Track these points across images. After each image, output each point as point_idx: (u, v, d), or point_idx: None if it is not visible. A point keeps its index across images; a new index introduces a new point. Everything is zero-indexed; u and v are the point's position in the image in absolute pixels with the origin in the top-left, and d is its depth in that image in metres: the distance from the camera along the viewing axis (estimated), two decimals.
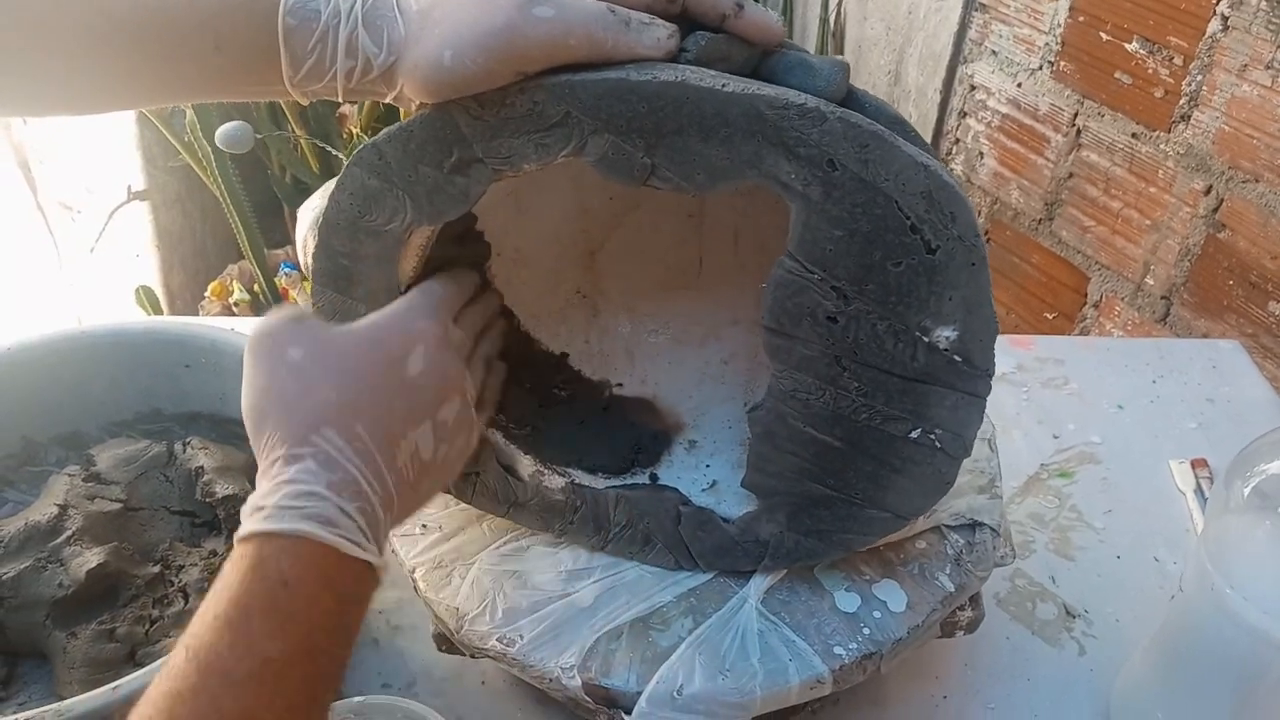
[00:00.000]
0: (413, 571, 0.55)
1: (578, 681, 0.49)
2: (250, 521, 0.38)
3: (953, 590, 0.53)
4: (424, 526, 0.57)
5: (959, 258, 0.43)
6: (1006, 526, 0.58)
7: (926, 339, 0.45)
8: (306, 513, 0.37)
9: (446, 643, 0.55)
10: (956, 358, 0.45)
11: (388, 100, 0.45)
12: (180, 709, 0.33)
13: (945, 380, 0.45)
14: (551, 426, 0.58)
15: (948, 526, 0.56)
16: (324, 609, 0.37)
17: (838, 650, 0.50)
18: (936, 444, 0.47)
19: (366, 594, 0.39)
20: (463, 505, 0.58)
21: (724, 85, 0.41)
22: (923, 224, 0.42)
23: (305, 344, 0.42)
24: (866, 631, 0.51)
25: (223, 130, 1.14)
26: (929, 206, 0.42)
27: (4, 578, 0.56)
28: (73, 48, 0.43)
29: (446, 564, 0.55)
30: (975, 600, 0.56)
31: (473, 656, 0.53)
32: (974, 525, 0.56)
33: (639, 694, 0.48)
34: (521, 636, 0.51)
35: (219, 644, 0.35)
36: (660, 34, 0.43)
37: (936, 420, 0.46)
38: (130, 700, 0.46)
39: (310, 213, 0.65)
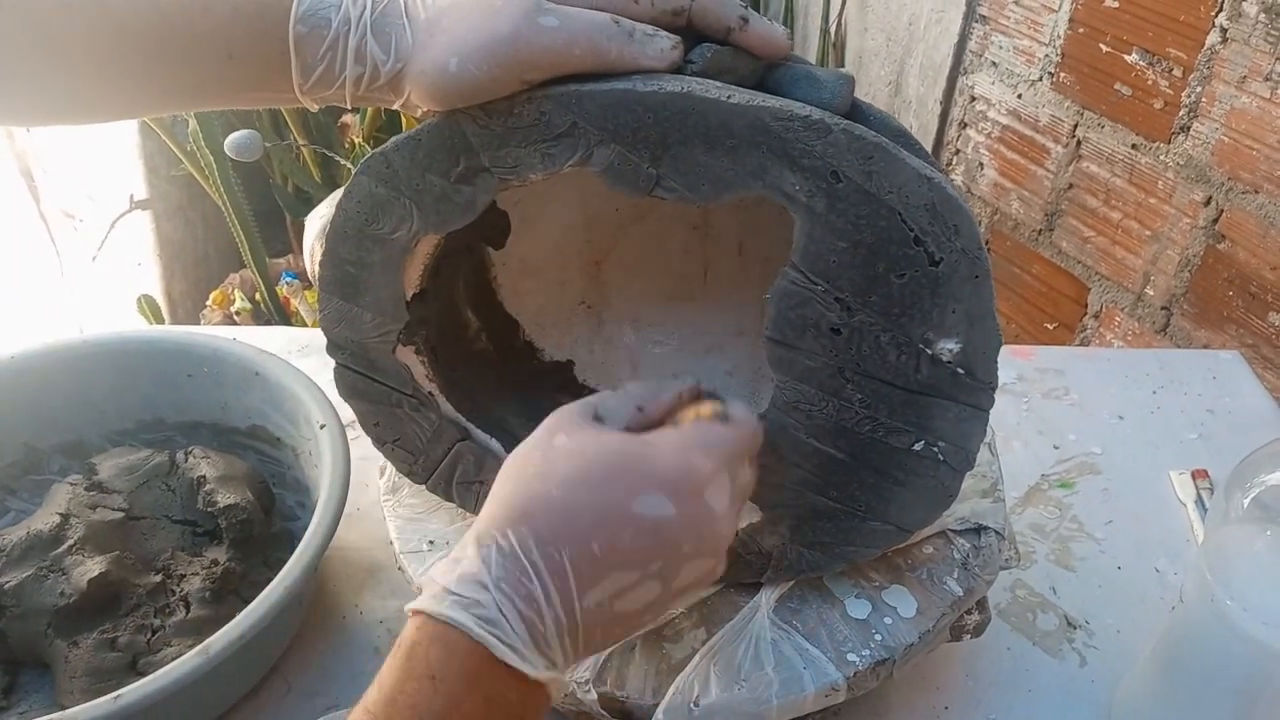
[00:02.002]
0: (421, 589, 0.55)
1: (593, 695, 0.49)
2: (422, 595, 0.36)
3: (961, 594, 0.53)
4: (431, 543, 0.57)
5: (962, 270, 0.43)
6: (1010, 529, 0.58)
7: (929, 351, 0.45)
8: (466, 602, 0.35)
9: None
10: (959, 370, 0.45)
11: (396, 107, 0.45)
12: None
13: (948, 392, 0.46)
14: None
15: (953, 531, 0.56)
16: (469, 713, 0.34)
17: (851, 657, 0.50)
18: (939, 456, 0.47)
19: (521, 707, 0.36)
20: (470, 520, 0.58)
21: (729, 97, 0.42)
22: (926, 236, 0.42)
23: (574, 436, 0.39)
24: (879, 638, 0.51)
25: (232, 139, 1.15)
26: (932, 219, 0.42)
27: (6, 586, 0.56)
28: (84, 56, 0.43)
29: None
30: (982, 604, 0.56)
31: None
32: (979, 529, 0.56)
33: (655, 706, 0.48)
34: None
35: None
36: (664, 45, 0.43)
37: (939, 433, 0.47)
38: (131, 710, 0.46)
39: (318, 221, 0.65)
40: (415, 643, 0.35)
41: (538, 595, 0.36)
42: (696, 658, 0.50)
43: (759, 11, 0.52)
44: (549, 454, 0.39)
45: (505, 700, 0.35)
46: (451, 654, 0.35)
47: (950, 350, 0.45)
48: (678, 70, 0.44)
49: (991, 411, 0.47)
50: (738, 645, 0.51)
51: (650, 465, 0.39)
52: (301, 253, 1.76)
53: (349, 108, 0.46)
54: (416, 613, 0.36)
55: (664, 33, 0.44)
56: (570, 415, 0.41)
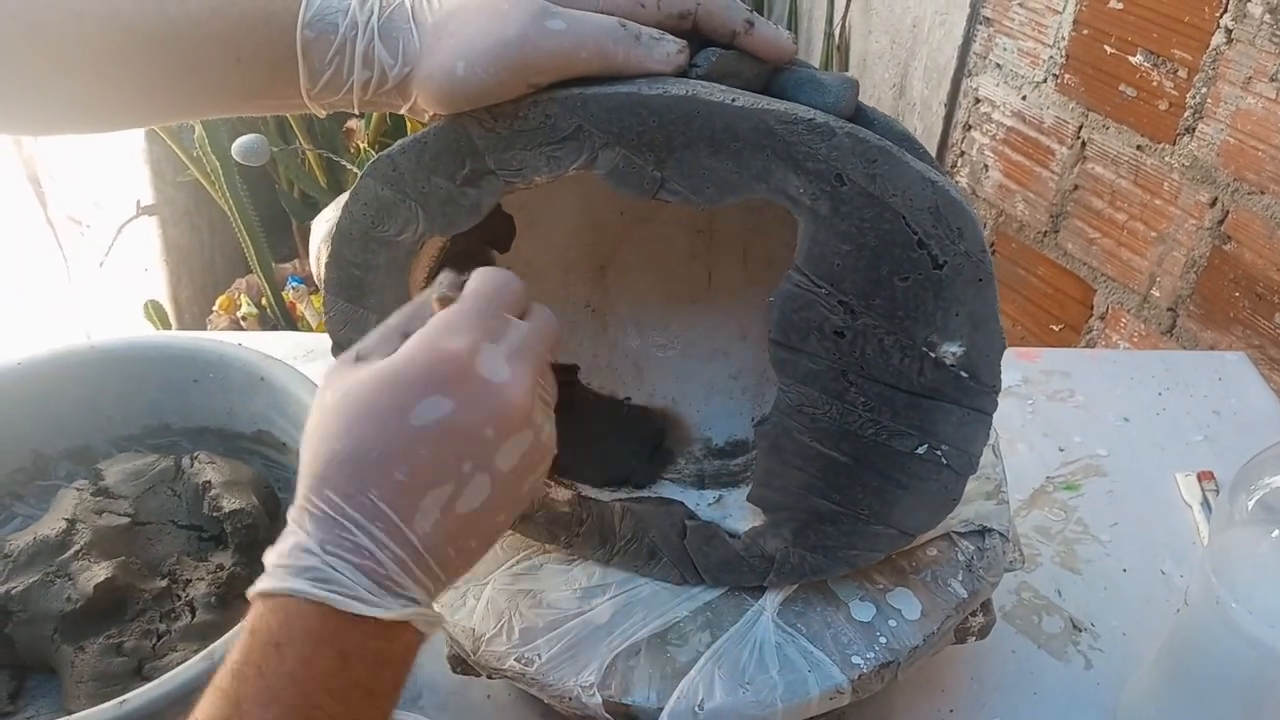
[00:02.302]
0: None
1: (598, 699, 0.49)
2: (259, 581, 0.36)
3: (966, 596, 0.53)
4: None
5: (966, 273, 0.43)
6: (1015, 531, 0.58)
7: (933, 354, 0.45)
8: (297, 569, 0.35)
9: (462, 664, 0.55)
10: (963, 373, 0.45)
11: (403, 111, 0.45)
12: None
13: (952, 396, 0.46)
14: (559, 439, 0.59)
15: (958, 533, 0.56)
16: (322, 669, 0.34)
17: (856, 660, 0.50)
18: (943, 460, 0.47)
19: (384, 651, 0.36)
20: None
21: (734, 100, 0.42)
22: (930, 239, 0.42)
23: (337, 386, 0.39)
24: (883, 640, 0.51)
25: (239, 143, 1.15)
26: (936, 222, 0.42)
27: (13, 592, 0.56)
28: (92, 65, 0.43)
29: (459, 585, 0.55)
30: (986, 606, 0.56)
31: (490, 677, 0.53)
32: (983, 531, 0.56)
33: (660, 710, 0.48)
34: (539, 656, 0.51)
35: (221, 717, 0.33)
36: (670, 49, 0.43)
37: (943, 436, 0.47)
38: (137, 715, 0.46)
39: (324, 225, 0.66)
40: (256, 620, 0.35)
41: (365, 543, 0.35)
42: (701, 661, 0.50)
43: (763, 14, 0.52)
44: (323, 413, 0.38)
45: (365, 650, 0.35)
46: (293, 619, 0.35)
47: (954, 353, 0.45)
48: (683, 74, 0.44)
49: (996, 414, 0.47)
50: (742, 648, 0.51)
51: (405, 375, 0.38)
52: (307, 257, 1.77)
53: (356, 113, 0.46)
54: (254, 597, 0.36)
55: (670, 36, 0.44)
56: (333, 369, 0.40)
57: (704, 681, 0.49)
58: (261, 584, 0.35)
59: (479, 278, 0.42)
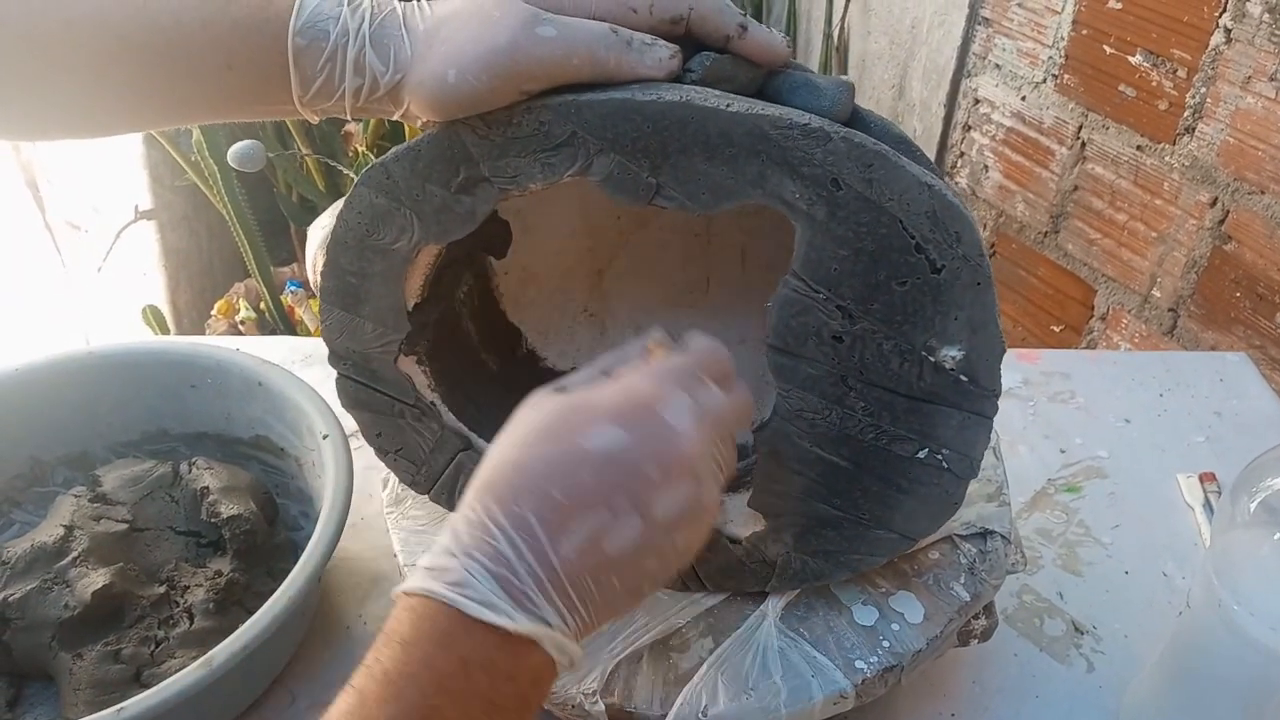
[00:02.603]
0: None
1: (601, 707, 0.49)
2: (404, 581, 0.37)
3: (968, 599, 0.53)
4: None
5: (964, 277, 0.43)
6: (1016, 533, 0.58)
7: (932, 359, 0.45)
8: (436, 571, 0.35)
9: None
10: (963, 377, 0.45)
11: (396, 117, 0.45)
12: None
13: (951, 400, 0.45)
14: None
15: (959, 536, 0.56)
16: (443, 671, 0.34)
17: (859, 664, 0.50)
18: (943, 464, 0.47)
19: (509, 666, 0.35)
20: None
21: (728, 105, 0.42)
22: (927, 244, 0.42)
23: (534, 405, 0.39)
24: (886, 644, 0.51)
25: (235, 149, 1.15)
26: (934, 226, 0.42)
27: (10, 599, 0.56)
28: (86, 71, 0.43)
29: None
30: (989, 609, 0.56)
31: None
32: (985, 534, 0.56)
33: (663, 716, 0.48)
34: None
35: (343, 712, 0.34)
36: (662, 54, 0.43)
37: (943, 440, 0.46)
38: None
39: (320, 231, 0.65)
40: (392, 620, 0.36)
41: (506, 551, 0.35)
42: (704, 667, 0.50)
43: (761, 16, 0.52)
44: (512, 426, 0.39)
45: (488, 660, 0.35)
46: (422, 619, 0.35)
47: (953, 357, 0.44)
48: (677, 79, 0.44)
49: (996, 416, 0.47)
50: (745, 654, 0.51)
51: (596, 403, 0.38)
52: (305, 261, 1.77)
53: (348, 119, 0.46)
54: (397, 596, 0.36)
55: (662, 41, 0.43)
56: (536, 396, 0.41)
57: (707, 688, 0.49)
58: (405, 584, 0.36)
59: (694, 339, 0.43)
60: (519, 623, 0.35)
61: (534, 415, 0.39)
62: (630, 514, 0.37)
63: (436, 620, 0.35)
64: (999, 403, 0.46)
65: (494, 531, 0.36)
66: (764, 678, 0.49)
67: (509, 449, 0.38)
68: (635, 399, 0.38)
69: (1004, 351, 0.45)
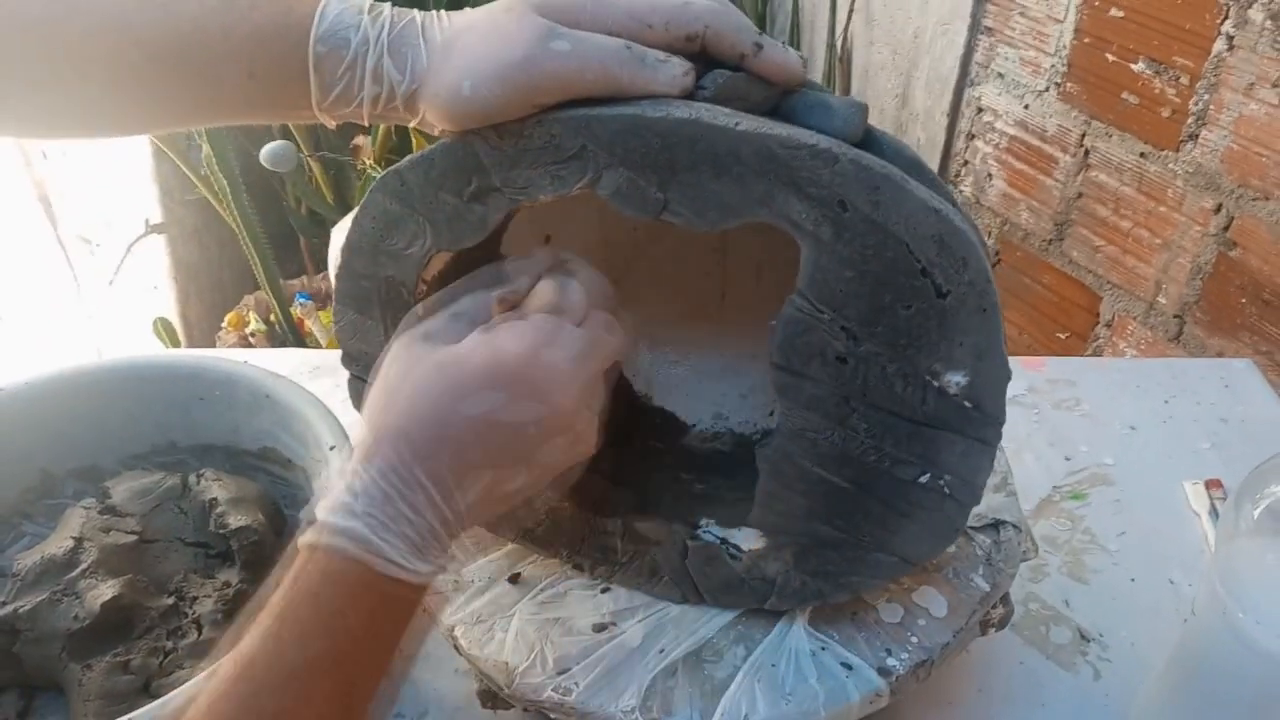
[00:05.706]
0: (452, 630, 0.54)
1: None
2: (306, 530, 0.40)
3: (989, 589, 0.53)
4: (455, 582, 0.57)
5: (970, 303, 0.43)
6: (1025, 522, 0.59)
7: (936, 383, 0.44)
8: (342, 529, 0.39)
9: (492, 699, 0.54)
10: (967, 403, 0.45)
11: (412, 125, 0.46)
12: (222, 706, 0.36)
13: (955, 426, 0.45)
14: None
15: (973, 528, 0.56)
16: (353, 621, 0.38)
17: (891, 662, 0.50)
18: (946, 490, 0.47)
19: (410, 607, 0.41)
20: (492, 557, 0.58)
21: (736, 124, 0.42)
22: (934, 268, 0.42)
23: (403, 361, 0.43)
24: (915, 640, 0.51)
25: (267, 149, 1.18)
26: (940, 251, 0.42)
27: (21, 611, 0.57)
28: (105, 75, 0.44)
29: (486, 618, 0.54)
30: (1005, 597, 0.56)
31: (525, 710, 0.52)
32: (997, 524, 0.56)
33: None
34: (577, 684, 0.50)
35: (255, 651, 0.37)
36: (676, 71, 0.43)
37: (946, 466, 0.46)
38: None
39: (342, 232, 0.66)
40: (299, 569, 0.39)
41: (404, 511, 0.40)
42: (740, 676, 0.50)
43: (765, 27, 0.52)
44: (386, 385, 0.42)
45: (390, 608, 0.40)
46: (332, 573, 0.39)
47: (957, 383, 0.44)
48: (690, 96, 0.44)
49: None
50: (779, 660, 0.51)
51: (465, 367, 0.41)
52: (315, 274, 1.78)
53: (365, 125, 0.47)
54: (302, 547, 0.39)
55: (676, 59, 0.44)
56: (400, 343, 0.44)
57: (745, 696, 0.49)
58: (308, 536, 0.39)
59: (547, 286, 0.45)
60: (424, 576, 0.40)
61: (409, 374, 0.42)
62: (516, 466, 0.42)
63: (346, 575, 0.39)
64: (1002, 435, 0.46)
65: (390, 494, 0.40)
66: (800, 682, 0.49)
67: (391, 413, 0.41)
68: (505, 361, 0.42)
69: (1009, 378, 0.45)
